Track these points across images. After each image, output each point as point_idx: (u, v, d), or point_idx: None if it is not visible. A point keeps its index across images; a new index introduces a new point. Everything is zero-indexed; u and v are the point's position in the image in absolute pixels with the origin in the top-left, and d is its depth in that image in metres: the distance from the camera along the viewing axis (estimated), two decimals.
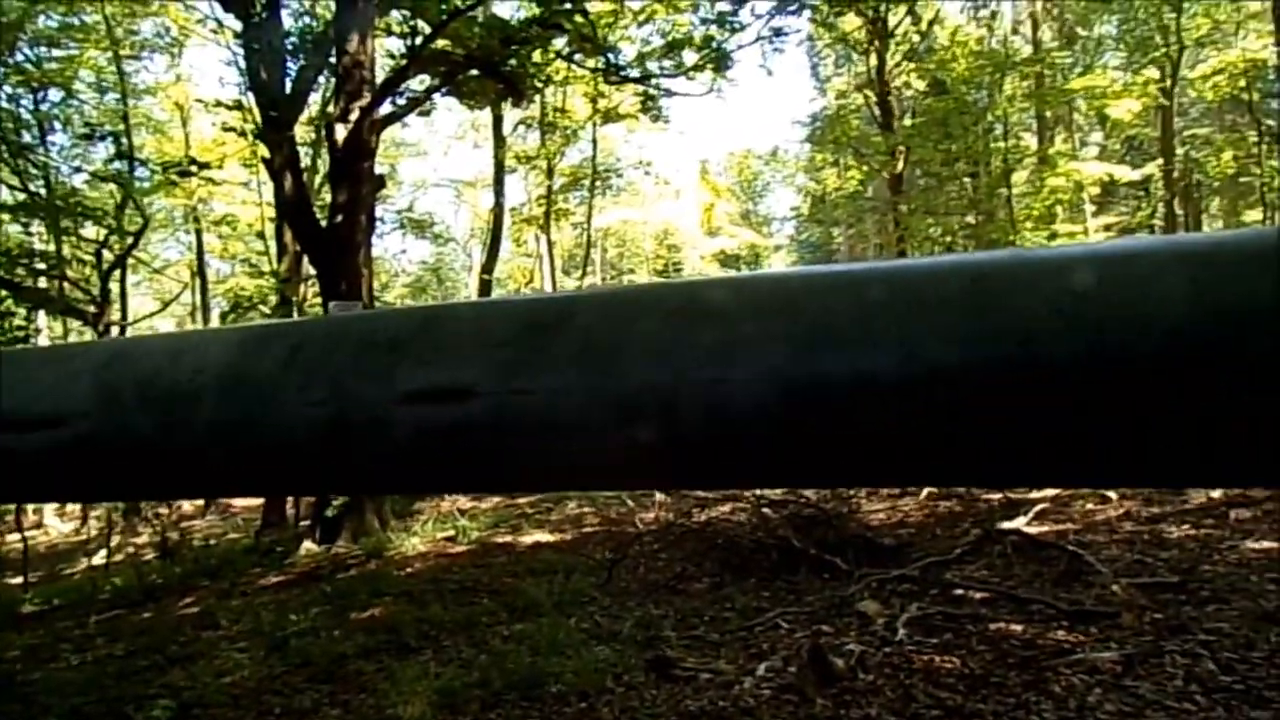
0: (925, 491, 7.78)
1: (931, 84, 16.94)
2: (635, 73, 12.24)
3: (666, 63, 11.97)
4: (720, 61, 11.69)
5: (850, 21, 16.72)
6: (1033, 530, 6.01)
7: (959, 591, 4.94)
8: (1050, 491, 6.86)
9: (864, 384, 0.25)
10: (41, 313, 14.01)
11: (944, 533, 6.55)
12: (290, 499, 10.71)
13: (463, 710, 3.76)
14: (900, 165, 16.02)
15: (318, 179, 14.47)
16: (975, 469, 0.27)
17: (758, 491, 7.99)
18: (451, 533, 8.58)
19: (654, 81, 12.33)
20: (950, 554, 5.68)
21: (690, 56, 11.84)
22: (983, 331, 0.25)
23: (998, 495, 7.14)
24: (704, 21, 11.89)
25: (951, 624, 4.41)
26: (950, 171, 17.34)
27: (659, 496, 8.47)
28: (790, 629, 4.64)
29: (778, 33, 11.84)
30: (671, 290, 0.30)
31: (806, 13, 12.08)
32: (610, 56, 11.87)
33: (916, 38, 16.42)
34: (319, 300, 10.87)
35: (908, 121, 17.50)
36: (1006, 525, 6.05)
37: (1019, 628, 4.25)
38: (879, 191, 21.01)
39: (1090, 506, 6.57)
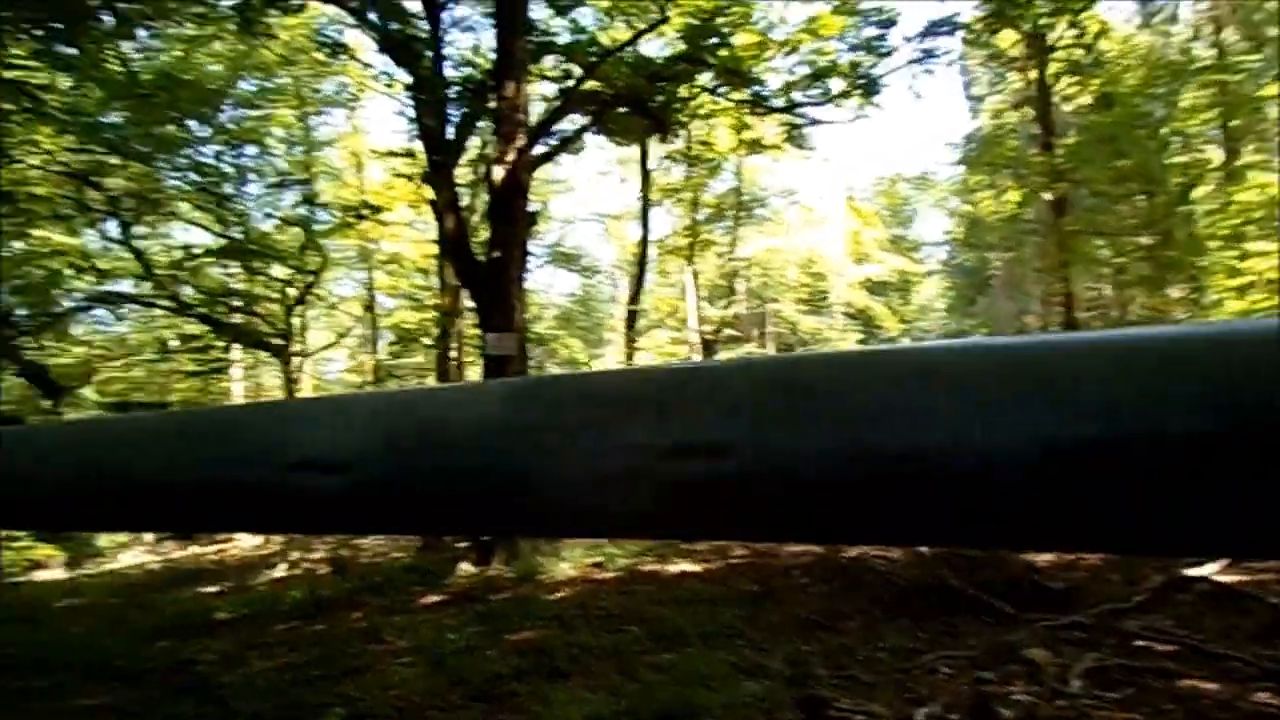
0: None
1: (1098, 99, 15.95)
2: (780, 103, 12.22)
3: (812, 91, 11.90)
4: (868, 87, 11.51)
5: (1006, 37, 16.05)
6: (1225, 578, 5.48)
7: (1140, 643, 4.56)
8: None
9: (1118, 447, 0.26)
10: (236, 345, 15.44)
11: (1120, 577, 6.07)
12: None
13: None
14: (1064, 185, 15.13)
15: (475, 217, 15.28)
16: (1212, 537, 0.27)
17: None
18: (599, 559, 8.73)
19: (799, 111, 12.27)
20: (1129, 601, 5.26)
21: (837, 84, 11.72)
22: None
23: None
24: (851, 48, 11.74)
25: (1134, 678, 4.07)
26: (1121, 190, 16.21)
27: None
28: (950, 674, 4.43)
29: (928, 54, 11.52)
30: (919, 353, 0.32)
31: (960, 32, 11.70)
32: (756, 88, 11.93)
33: (1080, 50, 15.53)
34: (477, 332, 11.42)
35: (1071, 139, 16.54)
36: (1194, 572, 5.55)
37: (1213, 686, 3.88)
38: (1040, 213, 19.91)
39: None
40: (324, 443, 0.41)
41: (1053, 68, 15.37)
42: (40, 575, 15.82)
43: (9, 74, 9.01)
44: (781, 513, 0.33)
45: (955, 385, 0.29)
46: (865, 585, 6.29)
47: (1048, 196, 15.85)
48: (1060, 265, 15.43)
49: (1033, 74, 15.84)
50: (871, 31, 11.37)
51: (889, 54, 11.28)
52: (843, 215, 28.50)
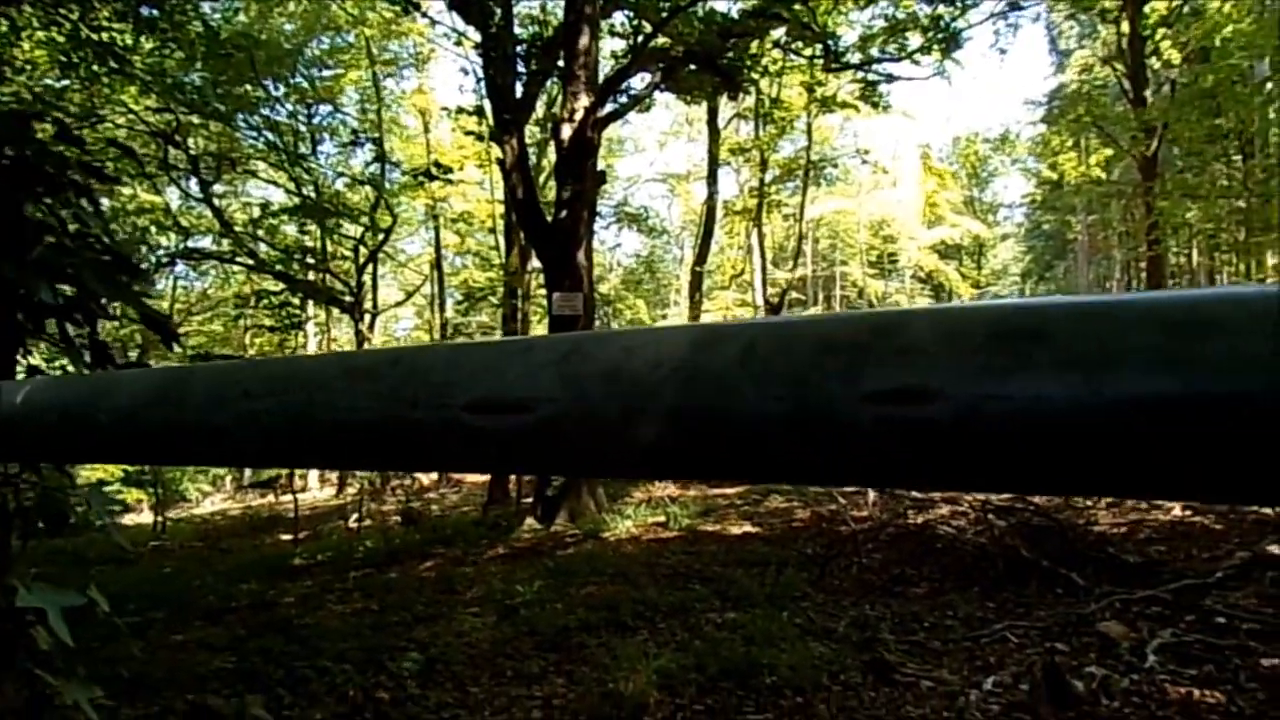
0: (1178, 505, 7.01)
1: (1195, 53, 15.07)
2: (856, 59, 11.87)
3: (890, 47, 11.51)
4: (948, 43, 11.08)
5: None
6: None
7: (1221, 620, 4.42)
8: None
9: None
10: (310, 302, 15.88)
11: (1200, 552, 5.87)
12: (512, 479, 11.45)
13: (680, 692, 3.87)
14: (1155, 144, 14.40)
15: (544, 176, 15.33)
16: None
17: (981, 496, 7.56)
18: (662, 518, 8.82)
19: (875, 67, 11.90)
20: (1209, 577, 5.09)
21: (915, 39, 11.31)
22: None
23: (1268, 511, 6.30)
24: (930, 1, 11.30)
25: (1213, 655, 3.96)
26: (1217, 150, 15.36)
27: (871, 495, 8.23)
28: (1019, 644, 4.37)
29: (1014, 6, 11.02)
30: (1166, 300, 0.30)
31: None
32: (829, 43, 11.59)
33: (1174, 2, 14.65)
34: (543, 291, 11.52)
35: (1164, 95, 15.71)
36: (1279, 549, 5.33)
37: None
38: (1126, 174, 19.04)
39: None
40: (499, 383, 0.42)
41: (1149, 19, 14.54)
42: (129, 519, 16.70)
43: (96, 35, 9.30)
44: (1003, 462, 0.32)
45: (1209, 333, 0.27)
46: (933, 553, 6.22)
47: (1136, 156, 15.12)
48: (1148, 229, 14.76)
49: (1125, 26, 15.02)
50: None
51: (972, 6, 10.83)
52: (917, 176, 27.70)
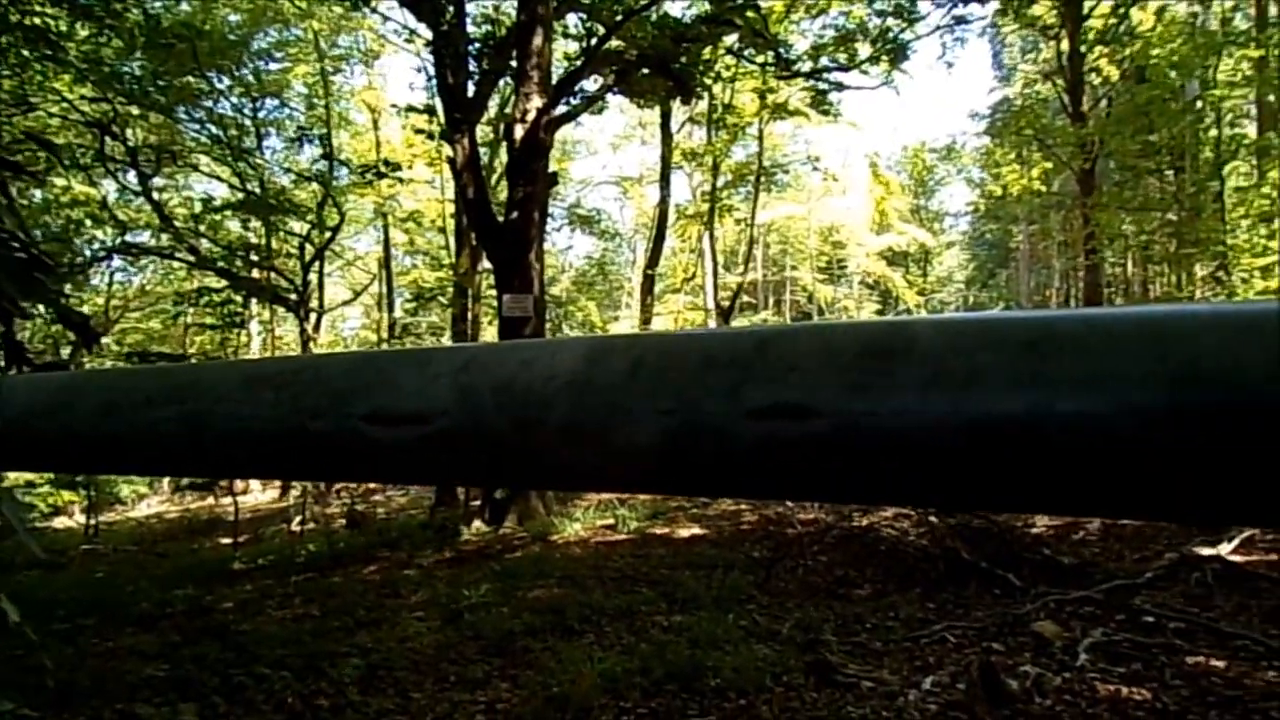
0: None
1: (1131, 70, 15.61)
2: (806, 67, 12.04)
3: (840, 56, 11.70)
4: (896, 54, 11.30)
5: (1041, 4, 15.69)
6: (1238, 558, 5.47)
7: (1150, 619, 4.58)
8: None
9: (1238, 415, 0.25)
10: (254, 300, 15.51)
11: (1131, 554, 6.08)
12: None
13: (625, 695, 3.87)
14: (1092, 159, 14.87)
15: (495, 176, 15.21)
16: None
17: None
18: (611, 521, 8.81)
19: (825, 75, 12.08)
20: (1139, 577, 5.27)
21: (865, 49, 11.51)
22: None
23: None
24: (880, 14, 11.51)
25: (1141, 653, 4.10)
26: (1151, 164, 15.92)
27: None
28: (958, 644, 4.47)
29: (959, 21, 11.29)
30: (1020, 321, 0.31)
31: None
32: (781, 51, 11.73)
33: (1114, 20, 15.15)
34: (494, 292, 11.42)
35: (1102, 111, 16.23)
36: (1206, 551, 5.55)
37: (1221, 664, 3.89)
38: (1066, 186, 19.62)
39: None
40: (393, 395, 0.41)
41: (1087, 37, 15.02)
42: (60, 522, 16.13)
43: (28, 20, 8.97)
44: (869, 476, 0.33)
45: (1058, 351, 0.28)
46: (877, 555, 6.33)
47: (1075, 169, 15.60)
48: (1085, 240, 15.23)
49: (1065, 43, 15.50)
50: None
51: (919, 19, 11.06)
52: (866, 184, 28.17)
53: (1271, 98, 14.73)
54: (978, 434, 0.29)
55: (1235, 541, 5.66)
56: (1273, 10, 15.30)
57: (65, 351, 12.15)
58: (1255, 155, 14.78)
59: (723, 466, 0.34)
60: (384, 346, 17.90)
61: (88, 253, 14.95)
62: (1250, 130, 16.22)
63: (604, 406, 0.36)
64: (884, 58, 11.34)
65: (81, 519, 14.75)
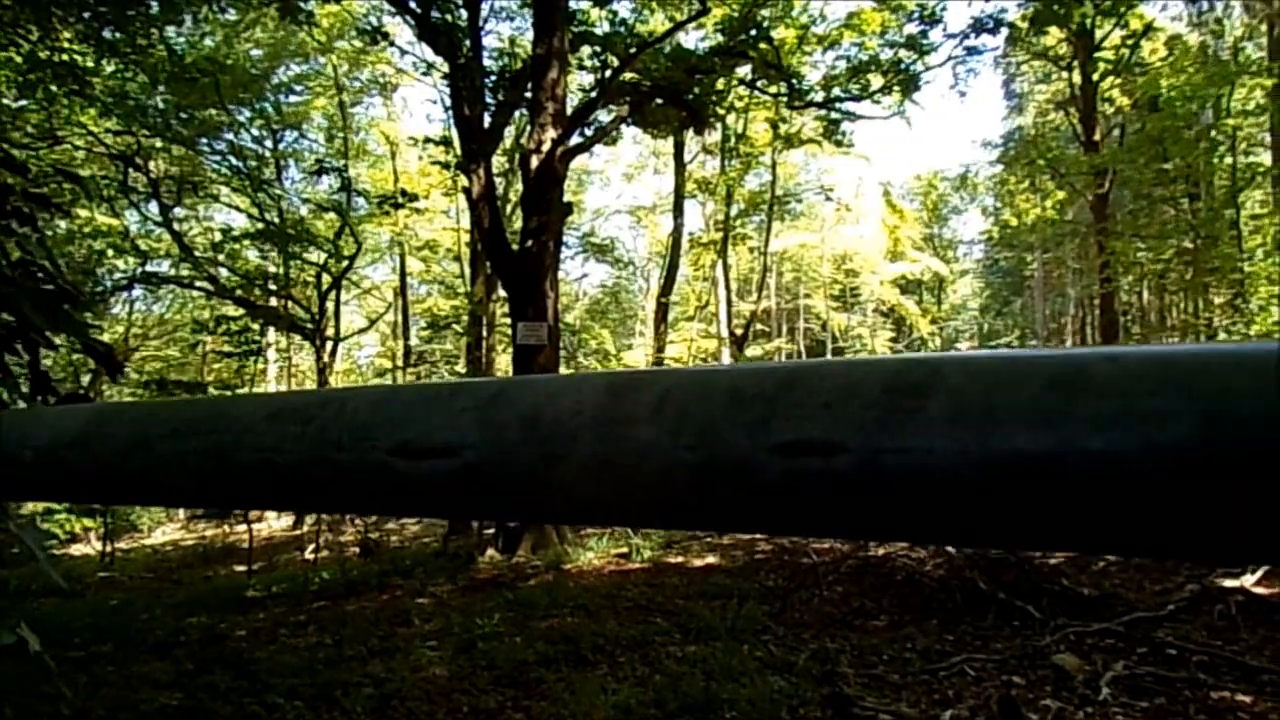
0: None
1: (1144, 99, 15.64)
2: (819, 97, 12.13)
3: (852, 87, 11.79)
4: (908, 84, 11.37)
5: (1052, 35, 15.77)
6: (1262, 590, 5.37)
7: (1172, 652, 4.49)
8: None
9: (1266, 458, 0.25)
10: (271, 328, 15.67)
11: (1152, 586, 5.97)
12: None
13: None
14: (1106, 186, 14.85)
15: (510, 206, 15.36)
16: None
17: None
18: (625, 550, 8.75)
19: (837, 106, 12.16)
20: (1161, 610, 5.18)
21: (877, 80, 11.59)
22: None
23: None
24: (891, 45, 11.60)
25: (1164, 687, 4.02)
26: (1165, 192, 15.89)
27: None
28: (977, 677, 4.39)
29: (971, 52, 11.36)
30: (1045, 360, 0.31)
31: (1004, 30, 11.51)
32: (793, 82, 11.83)
33: (1126, 50, 15.21)
34: (508, 320, 11.48)
35: (1114, 139, 16.24)
36: (1229, 583, 5.45)
37: (1247, 699, 3.81)
38: (1080, 214, 19.59)
39: None
40: (421, 428, 0.42)
41: (1099, 67, 15.07)
42: (76, 549, 16.19)
43: (57, 56, 9.18)
44: (898, 513, 0.33)
45: (1084, 390, 0.29)
46: (893, 585, 6.25)
47: (1089, 198, 15.58)
48: (1100, 268, 15.17)
49: (1077, 74, 15.56)
50: (914, 28, 11.23)
51: (931, 51, 11.14)
52: (879, 213, 28.22)
53: None
54: (1003, 471, 0.30)
55: (1259, 573, 5.56)
56: None
57: (85, 380, 12.28)
58: (1271, 183, 14.72)
59: (748, 502, 0.34)
60: (399, 375, 18.00)
61: (109, 282, 15.16)
62: (1265, 158, 16.19)
63: (629, 441, 0.36)
64: (896, 88, 11.42)
65: (98, 546, 14.80)
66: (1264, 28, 16.33)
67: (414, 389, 0.44)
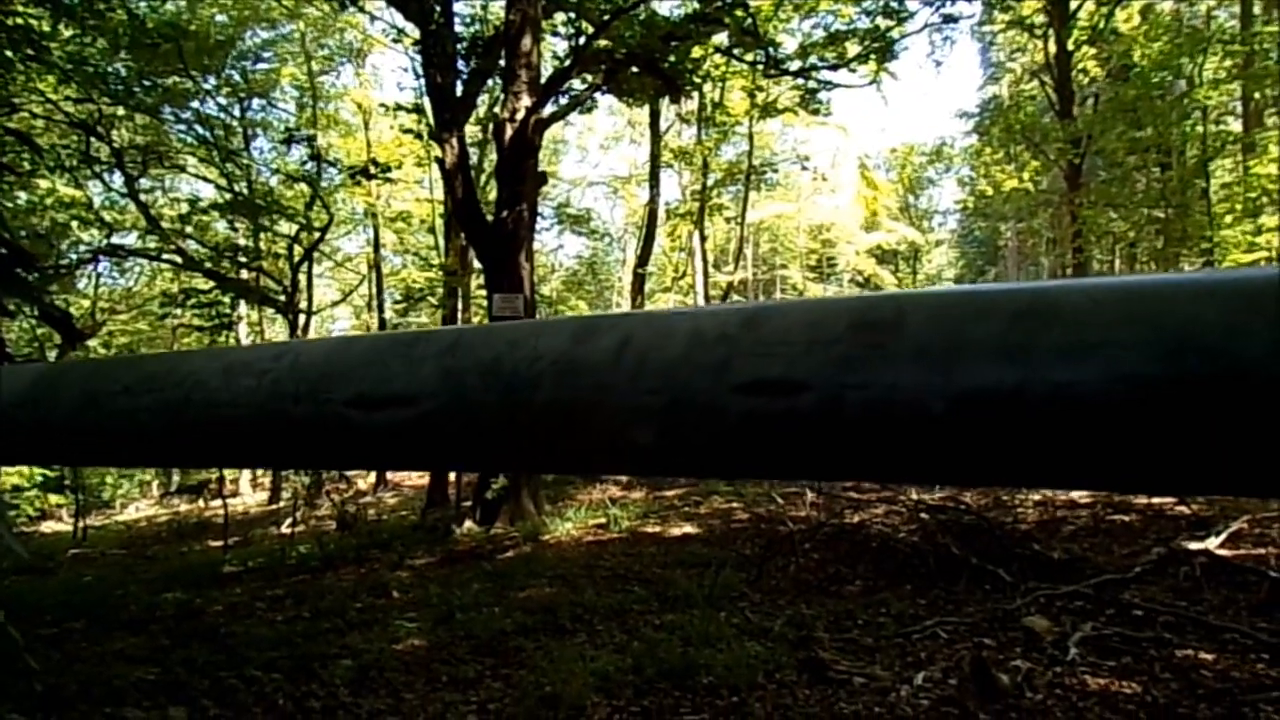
0: (1099, 503, 7.29)
1: (1118, 68, 15.70)
2: (795, 65, 12.05)
3: (828, 55, 11.72)
4: (884, 52, 11.32)
5: (1028, 3, 15.76)
6: (1225, 552, 5.50)
7: (1139, 613, 4.59)
8: (1248, 511, 6.25)
9: (1232, 387, 0.25)
10: (242, 301, 15.44)
11: (1120, 549, 6.10)
12: (452, 482, 11.31)
13: (617, 694, 3.86)
14: (1080, 155, 14.94)
15: (484, 176, 15.18)
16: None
17: (915, 495, 7.74)
18: (603, 520, 8.80)
19: (814, 74, 12.09)
20: (1128, 572, 5.28)
21: (854, 48, 11.53)
22: None
23: (1184, 510, 6.58)
24: (868, 13, 11.53)
25: (1131, 647, 4.11)
26: (1138, 161, 16.01)
27: (809, 495, 8.35)
28: (949, 639, 4.47)
29: (948, 20, 11.31)
30: (1010, 293, 0.31)
31: None
32: (770, 50, 11.74)
33: (1100, 20, 15.23)
34: (483, 292, 11.39)
35: (1088, 109, 16.32)
36: (1194, 545, 5.57)
37: (1210, 657, 3.91)
38: (1054, 184, 19.72)
39: None
40: (378, 378, 0.41)
41: (1074, 35, 15.09)
42: (48, 526, 16.01)
43: (10, 20, 8.89)
44: (861, 451, 0.32)
45: (1049, 322, 0.28)
46: (868, 552, 6.33)
47: (1063, 167, 15.68)
48: (1073, 236, 15.30)
49: (1052, 43, 15.57)
50: None
51: (908, 18, 11.08)
52: (855, 183, 28.24)
53: (1257, 95, 14.85)
54: (967, 405, 0.29)
55: (1223, 535, 5.69)
56: (1256, 8, 15.42)
57: (52, 355, 12.06)
58: (1241, 151, 14.88)
59: (711, 445, 0.34)
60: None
61: (74, 255, 14.85)
62: (1236, 126, 16.35)
63: (590, 387, 0.35)
64: (872, 57, 11.36)
65: (70, 523, 14.65)
66: None
67: (370, 339, 0.43)
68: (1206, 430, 0.26)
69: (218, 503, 13.35)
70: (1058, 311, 0.29)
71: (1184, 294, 0.27)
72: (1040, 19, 16.07)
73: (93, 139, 12.52)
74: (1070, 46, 15.13)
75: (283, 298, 14.87)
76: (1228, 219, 14.08)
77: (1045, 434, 0.28)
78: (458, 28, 10.22)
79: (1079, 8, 14.93)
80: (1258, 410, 0.24)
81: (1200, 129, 15.02)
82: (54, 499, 14.63)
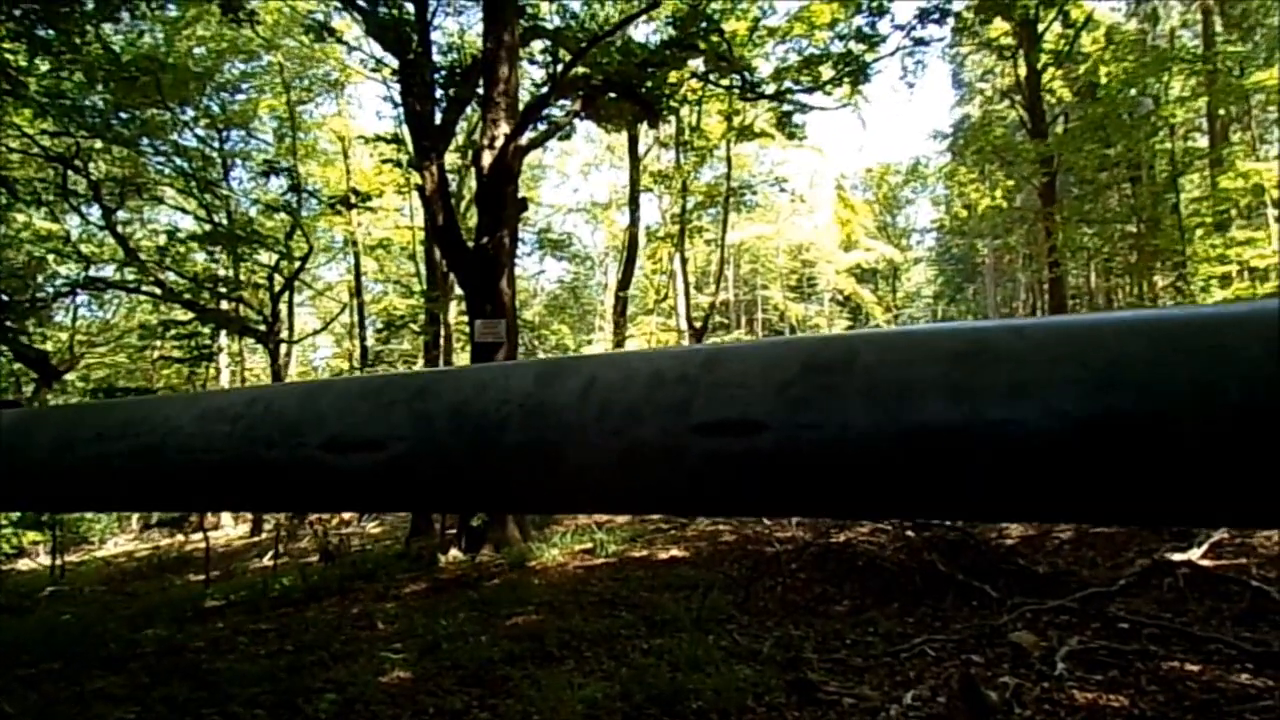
0: None
1: (1086, 87, 16.01)
2: (771, 89, 12.20)
3: (803, 78, 11.88)
4: (858, 75, 11.49)
5: (997, 26, 16.06)
6: (1207, 563, 5.54)
7: (1124, 626, 4.62)
8: None
9: (1158, 423, 0.26)
10: (222, 332, 15.34)
11: (1104, 561, 6.13)
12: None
13: None
14: (1052, 173, 15.19)
15: (464, 203, 15.22)
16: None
17: None
18: (589, 546, 8.75)
19: (789, 97, 12.25)
20: (1112, 585, 5.31)
21: (828, 72, 11.70)
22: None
23: None
24: (841, 37, 11.72)
25: (1117, 660, 4.13)
26: (1109, 177, 16.29)
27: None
28: (937, 657, 4.47)
29: (919, 43, 11.51)
30: (952, 333, 0.32)
31: (950, 20, 11.68)
32: (745, 74, 11.89)
33: (1066, 44, 15.55)
34: (465, 319, 11.38)
35: (1059, 127, 16.61)
36: (1177, 556, 5.61)
37: (1195, 668, 3.93)
38: (1029, 201, 20.02)
39: (1277, 539, 5.99)
40: (350, 422, 0.41)
41: (1042, 57, 15.39)
42: (24, 564, 15.72)
43: None
44: (816, 488, 0.33)
45: (988, 362, 0.29)
46: (854, 571, 6.33)
47: (1036, 185, 15.92)
48: (1048, 252, 15.51)
49: (1022, 65, 15.86)
50: (863, 20, 11.36)
51: (880, 42, 11.27)
52: (832, 203, 28.53)
53: (1221, 110, 15.17)
54: (914, 444, 0.30)
55: (1204, 546, 5.74)
56: (1218, 27, 15.80)
57: (28, 390, 11.92)
58: (1210, 166, 15.16)
59: (673, 483, 0.35)
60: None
61: (51, 289, 14.71)
62: (1203, 142, 16.68)
63: (556, 428, 0.36)
64: (846, 80, 11.54)
65: (47, 560, 14.39)
66: (1199, 15, 16.82)
67: (341, 383, 0.44)
68: (1136, 463, 0.27)
69: (199, 536, 13.19)
70: (995, 352, 0.30)
71: (1109, 332, 0.28)
72: (1009, 40, 16.37)
73: (70, 172, 12.45)
74: (1039, 67, 15.42)
75: (263, 327, 14.79)
76: (1199, 233, 14.33)
77: (989, 470, 0.30)
78: (436, 56, 10.29)
79: (1045, 30, 15.23)
80: (1181, 443, 0.26)
81: (1168, 145, 15.31)
82: (30, 535, 14.38)
